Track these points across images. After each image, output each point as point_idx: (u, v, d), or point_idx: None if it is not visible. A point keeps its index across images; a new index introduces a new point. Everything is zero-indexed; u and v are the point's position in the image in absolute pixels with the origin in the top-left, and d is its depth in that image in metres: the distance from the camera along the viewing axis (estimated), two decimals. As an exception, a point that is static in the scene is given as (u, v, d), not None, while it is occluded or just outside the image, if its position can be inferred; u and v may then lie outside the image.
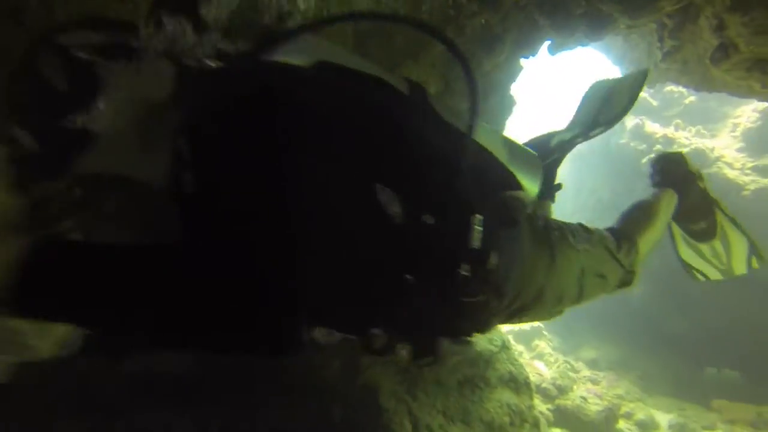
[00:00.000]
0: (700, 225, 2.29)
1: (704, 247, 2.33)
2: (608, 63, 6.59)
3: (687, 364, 7.68)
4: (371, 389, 2.80)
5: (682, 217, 2.26)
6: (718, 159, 7.88)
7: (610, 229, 1.92)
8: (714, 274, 2.38)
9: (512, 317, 1.57)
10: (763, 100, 3.33)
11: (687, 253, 2.37)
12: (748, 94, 3.46)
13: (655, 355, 8.09)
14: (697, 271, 2.39)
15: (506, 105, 4.20)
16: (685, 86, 4.56)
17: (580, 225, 1.87)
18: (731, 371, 7.30)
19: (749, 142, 7.94)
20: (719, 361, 7.45)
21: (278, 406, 3.31)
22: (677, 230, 2.36)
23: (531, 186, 1.56)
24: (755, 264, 2.31)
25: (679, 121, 9.12)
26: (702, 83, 3.77)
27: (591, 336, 9.16)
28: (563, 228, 1.68)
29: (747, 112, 8.16)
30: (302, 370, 3.32)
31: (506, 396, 3.26)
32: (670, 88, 9.26)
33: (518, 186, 1.45)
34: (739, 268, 2.34)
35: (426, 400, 2.88)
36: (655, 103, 9.82)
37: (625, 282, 1.89)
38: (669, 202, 2.13)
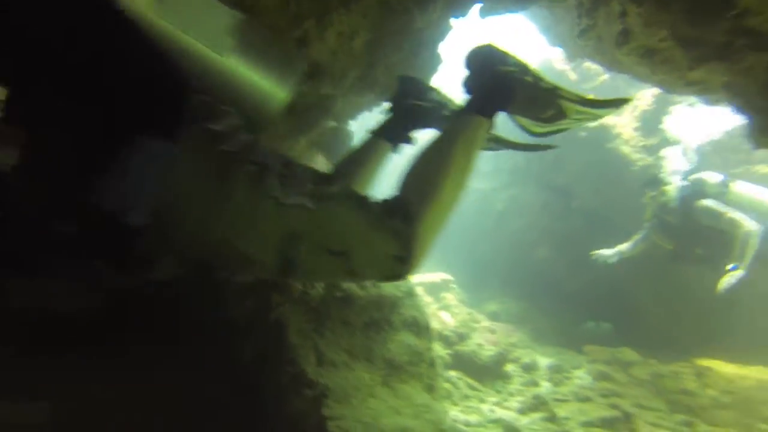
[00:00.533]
0: (547, 113, 2.03)
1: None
2: (536, 32, 6.88)
3: (574, 319, 8.61)
4: (280, 326, 2.93)
5: (523, 111, 2.03)
6: (617, 136, 8.59)
7: (391, 198, 1.54)
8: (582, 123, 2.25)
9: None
10: (654, 85, 3.70)
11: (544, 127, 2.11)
12: (643, 78, 3.82)
13: (549, 311, 8.96)
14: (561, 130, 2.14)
15: (434, 62, 4.32)
16: (599, 64, 4.91)
17: (326, 175, 1.50)
18: (606, 324, 8.36)
19: (643, 123, 8.71)
20: (599, 315, 8.45)
21: (187, 351, 3.38)
22: (525, 120, 2.11)
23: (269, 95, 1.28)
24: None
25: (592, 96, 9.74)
26: (612, 64, 4.08)
27: (497, 292, 9.91)
28: (277, 168, 1.27)
29: (646, 95, 8.89)
30: (214, 313, 3.39)
31: (407, 338, 3.53)
32: (588, 64, 9.81)
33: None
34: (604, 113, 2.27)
35: (332, 338, 3.07)
36: (573, 76, 10.37)
37: (395, 271, 1.49)
38: (471, 142, 1.73)
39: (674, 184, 6.33)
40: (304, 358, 2.87)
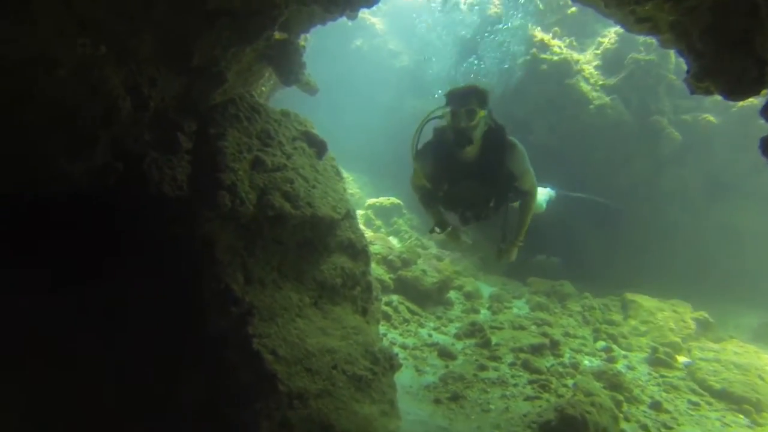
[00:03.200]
0: None
1: None
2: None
3: (522, 253, 8.88)
4: (208, 242, 2.88)
5: None
6: (579, 72, 8.51)
7: None
8: None
9: None
10: (616, 23, 3.59)
11: None
12: (599, 12, 3.70)
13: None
14: None
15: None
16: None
17: None
18: (554, 258, 8.72)
19: (605, 61, 8.63)
20: (548, 250, 8.78)
21: (122, 262, 3.31)
22: None
23: None
24: None
25: (557, 29, 9.52)
26: (578, -4, 3.90)
27: (450, 220, 10.05)
28: None
29: (611, 33, 8.75)
30: (147, 231, 3.30)
31: (342, 260, 3.54)
32: (557, -7, 9.54)
33: None
34: None
35: (263, 257, 3.04)
36: (541, 6, 10.05)
37: None
38: None
39: None
40: (231, 276, 2.84)
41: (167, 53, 3.05)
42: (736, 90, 2.41)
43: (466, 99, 3.43)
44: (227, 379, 2.69)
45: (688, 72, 2.81)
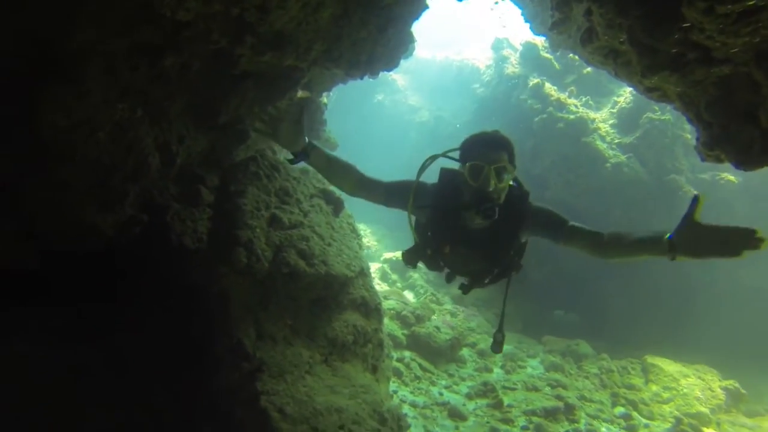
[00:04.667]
0: None
1: None
2: (521, 20, 6.82)
3: (539, 307, 8.76)
4: (223, 298, 2.94)
5: None
6: (595, 130, 8.63)
7: None
8: None
9: None
10: (624, 84, 3.71)
11: None
12: (612, 77, 3.82)
13: (515, 299, 9.06)
14: None
15: (404, 40, 4.27)
16: (579, 56, 4.89)
17: None
18: (573, 314, 8.55)
19: (621, 120, 8.76)
20: (564, 305, 8.63)
21: (139, 313, 3.38)
22: None
23: None
24: None
25: (573, 88, 9.75)
26: (585, 59, 4.06)
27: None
28: None
29: (626, 92, 8.91)
30: (164, 282, 3.38)
31: (354, 318, 3.56)
32: (573, 55, 9.79)
33: None
34: None
35: (276, 313, 3.08)
36: (558, 66, 10.34)
37: None
38: None
39: None
40: (244, 331, 2.88)
41: (196, 112, 3.24)
42: (745, 161, 2.44)
43: (496, 152, 2.51)
44: (233, 437, 2.67)
45: (697, 140, 2.87)
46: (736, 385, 6.01)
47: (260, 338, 2.94)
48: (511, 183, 2.65)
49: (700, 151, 2.85)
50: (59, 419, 2.80)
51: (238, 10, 2.62)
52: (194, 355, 3.20)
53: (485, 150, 2.53)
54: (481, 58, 13.62)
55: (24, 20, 2.16)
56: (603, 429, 4.95)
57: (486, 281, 2.94)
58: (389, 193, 2.80)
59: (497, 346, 3.04)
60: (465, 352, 6.42)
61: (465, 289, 2.95)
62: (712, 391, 5.80)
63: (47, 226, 2.85)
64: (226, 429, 2.83)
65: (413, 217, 2.84)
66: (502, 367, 6.31)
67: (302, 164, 2.79)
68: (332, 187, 4.13)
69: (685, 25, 2.15)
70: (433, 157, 2.80)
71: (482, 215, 2.49)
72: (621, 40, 2.76)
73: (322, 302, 3.37)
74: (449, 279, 3.05)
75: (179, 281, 3.32)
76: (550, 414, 4.93)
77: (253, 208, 3.13)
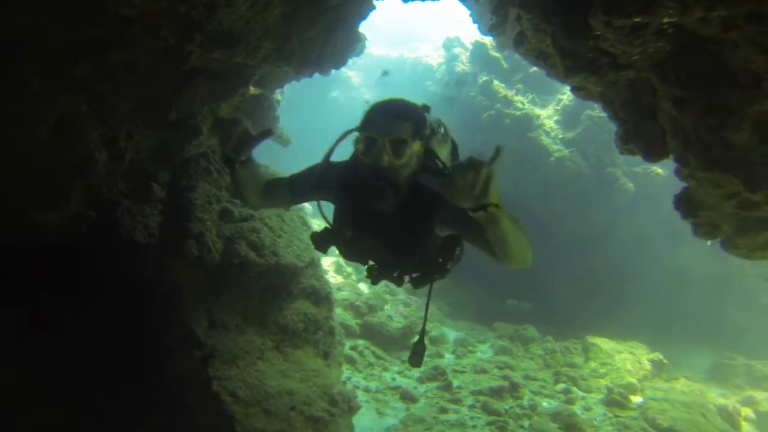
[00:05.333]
0: None
1: None
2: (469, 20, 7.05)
3: (492, 297, 9.10)
4: (175, 289, 3.03)
5: None
6: (540, 126, 9.05)
7: None
8: None
9: None
10: (562, 83, 3.97)
11: None
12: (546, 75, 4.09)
13: (469, 288, 9.40)
14: None
15: (351, 40, 4.41)
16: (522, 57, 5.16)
17: None
18: (527, 303, 8.93)
19: (565, 116, 9.22)
20: (515, 295, 9.02)
21: (92, 305, 3.40)
22: None
23: None
24: None
25: (520, 86, 10.15)
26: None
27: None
28: None
29: (569, 90, 9.37)
30: (117, 277, 3.42)
31: (305, 306, 3.70)
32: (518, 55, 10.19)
33: None
34: None
35: (228, 302, 3.20)
36: (506, 65, 10.72)
37: None
38: None
39: None
40: (196, 321, 2.98)
41: (146, 108, 3.27)
42: (650, 153, 2.74)
43: (395, 122, 2.07)
44: (186, 420, 2.78)
45: (616, 134, 3.16)
46: (660, 356, 6.58)
47: (212, 327, 3.04)
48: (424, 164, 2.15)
49: (617, 144, 3.14)
50: (20, 411, 2.82)
51: (186, 8, 2.70)
52: (148, 346, 3.26)
53: (383, 120, 2.09)
54: (434, 56, 13.94)
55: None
56: (544, 403, 5.29)
57: (402, 277, 2.38)
58: (293, 185, 2.38)
59: (416, 358, 2.52)
60: (416, 338, 6.65)
61: (372, 275, 2.39)
62: (641, 364, 6.32)
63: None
64: (180, 415, 2.92)
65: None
66: (453, 353, 6.60)
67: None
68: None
69: (596, 33, 2.40)
70: (348, 132, 2.28)
71: (375, 196, 2.05)
72: (547, 43, 3.01)
73: (272, 291, 3.50)
74: (371, 277, 2.42)
75: (132, 276, 3.38)
76: (496, 393, 5.23)
77: (204, 201, 3.23)
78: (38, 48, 2.46)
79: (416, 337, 2.66)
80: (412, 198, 2.12)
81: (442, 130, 2.37)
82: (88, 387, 3.10)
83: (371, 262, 2.42)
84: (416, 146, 2.07)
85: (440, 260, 2.38)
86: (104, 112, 3.03)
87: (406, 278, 2.38)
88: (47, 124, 2.67)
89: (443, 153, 2.31)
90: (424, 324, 2.68)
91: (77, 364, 3.19)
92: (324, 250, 2.54)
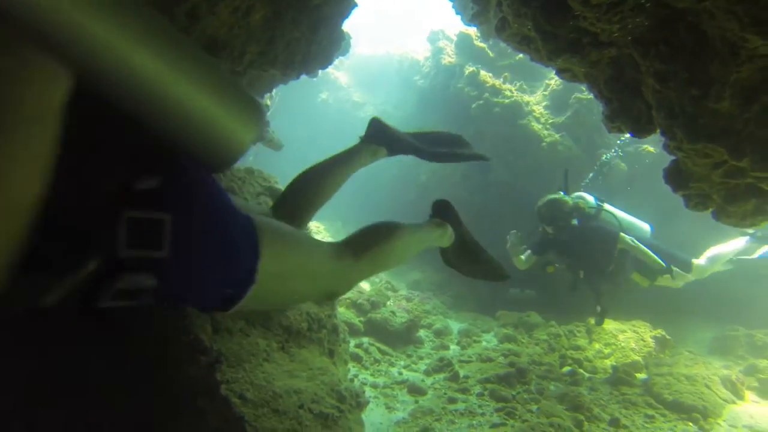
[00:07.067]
0: None
1: None
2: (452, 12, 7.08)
3: (493, 287, 9.11)
4: (176, 297, 3.04)
5: None
6: (530, 113, 9.07)
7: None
8: None
9: None
10: (547, 67, 4.00)
11: None
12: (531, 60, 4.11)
13: (468, 281, 9.40)
14: None
15: (335, 39, 4.42)
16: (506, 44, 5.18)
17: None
18: (530, 291, 8.96)
19: (553, 101, 9.25)
20: (518, 283, 9.04)
21: (94, 321, 3.41)
22: None
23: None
24: None
25: (507, 74, 10.17)
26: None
27: (419, 261, 10.29)
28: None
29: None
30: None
31: (307, 306, 3.73)
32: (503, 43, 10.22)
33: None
34: None
35: (230, 307, 3.21)
36: (492, 54, 10.74)
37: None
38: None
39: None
40: (200, 327, 2.99)
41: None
42: (637, 130, 2.76)
43: None
44: (198, 426, 2.79)
45: (603, 114, 3.18)
46: (663, 332, 6.60)
47: (216, 332, 3.06)
48: None
49: (605, 123, 3.16)
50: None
51: (167, 18, 2.72)
52: (153, 356, 3.28)
53: None
54: (420, 50, 13.93)
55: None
56: (551, 387, 5.32)
57: None
58: None
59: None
60: (422, 333, 6.68)
61: None
62: (644, 341, 6.34)
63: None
64: (190, 421, 2.94)
65: None
66: (458, 344, 6.62)
67: (247, 164, 2.89)
68: (279, 185, 4.27)
69: (576, 13, 2.43)
70: None
71: None
72: (529, 27, 3.03)
73: (275, 293, 3.51)
74: None
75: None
76: (503, 380, 5.26)
77: (200, 208, 3.24)
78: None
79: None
80: None
81: None
82: (93, 399, 3.11)
83: None
84: None
85: None
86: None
87: None
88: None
89: None
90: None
91: (80, 375, 3.20)
92: None
